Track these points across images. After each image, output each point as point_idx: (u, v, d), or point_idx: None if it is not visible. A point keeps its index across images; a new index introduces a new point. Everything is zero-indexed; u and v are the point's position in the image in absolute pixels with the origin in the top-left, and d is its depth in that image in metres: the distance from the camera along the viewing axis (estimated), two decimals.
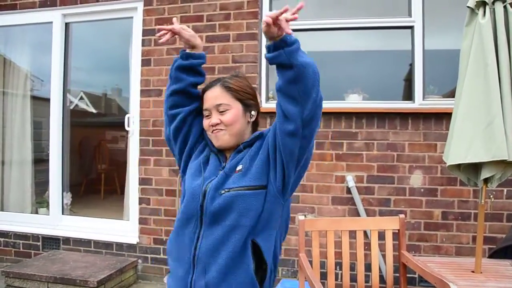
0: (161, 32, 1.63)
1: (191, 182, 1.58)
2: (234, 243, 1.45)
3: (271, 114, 3.50)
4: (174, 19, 1.66)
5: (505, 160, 2.35)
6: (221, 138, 1.58)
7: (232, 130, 1.57)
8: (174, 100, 1.66)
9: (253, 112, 1.63)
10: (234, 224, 1.46)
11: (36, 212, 4.75)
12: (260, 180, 1.48)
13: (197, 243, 1.50)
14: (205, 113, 1.62)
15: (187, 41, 1.65)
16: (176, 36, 1.64)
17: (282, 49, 1.36)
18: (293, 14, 1.36)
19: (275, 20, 1.34)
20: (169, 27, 1.62)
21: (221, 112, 1.57)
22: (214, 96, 1.59)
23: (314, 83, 1.37)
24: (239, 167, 1.53)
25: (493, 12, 2.42)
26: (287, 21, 1.35)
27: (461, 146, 2.47)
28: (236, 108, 1.58)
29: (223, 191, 1.48)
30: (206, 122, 1.61)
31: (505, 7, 2.42)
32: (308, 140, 1.44)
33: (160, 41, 1.66)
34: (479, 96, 2.41)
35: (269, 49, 1.40)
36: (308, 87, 1.36)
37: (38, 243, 4.41)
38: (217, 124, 1.57)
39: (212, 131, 1.59)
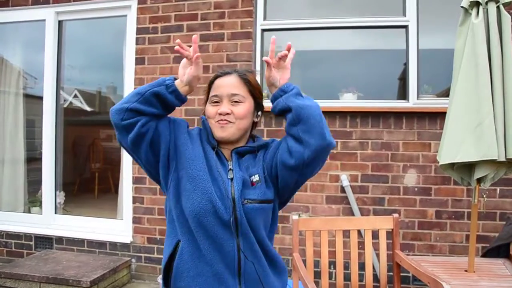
0: (183, 51, 1.45)
1: (207, 179, 1.43)
2: (266, 253, 1.51)
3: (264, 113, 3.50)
4: (195, 37, 1.48)
5: (496, 159, 2.35)
6: (227, 130, 1.47)
7: (240, 124, 1.49)
8: (133, 115, 1.42)
9: (259, 113, 1.59)
10: (264, 235, 1.50)
11: (29, 211, 4.72)
12: (271, 194, 1.50)
13: (239, 254, 1.43)
14: (214, 99, 1.49)
15: (193, 77, 1.46)
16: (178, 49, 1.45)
17: (280, 97, 1.45)
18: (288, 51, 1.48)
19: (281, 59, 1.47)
20: (193, 51, 1.45)
21: (234, 103, 1.48)
22: (230, 84, 1.49)
23: (316, 124, 1.38)
24: (256, 178, 1.49)
25: (486, 13, 2.42)
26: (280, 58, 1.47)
27: (452, 146, 2.48)
28: (249, 103, 1.51)
29: (251, 201, 1.44)
30: (213, 109, 1.48)
31: (498, 7, 2.43)
32: (306, 177, 1.49)
33: (179, 50, 1.45)
34: (471, 96, 2.42)
35: (271, 101, 1.50)
36: (310, 128, 1.37)
37: (31, 243, 4.37)
38: (227, 114, 1.46)
39: (218, 120, 1.47)
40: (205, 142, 1.52)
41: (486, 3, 2.43)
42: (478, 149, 2.37)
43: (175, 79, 1.48)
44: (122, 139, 1.47)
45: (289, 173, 1.44)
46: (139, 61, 4.10)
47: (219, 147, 1.51)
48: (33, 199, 4.75)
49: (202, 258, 1.43)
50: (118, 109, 1.42)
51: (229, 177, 1.46)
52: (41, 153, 4.52)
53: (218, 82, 1.51)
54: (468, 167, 2.56)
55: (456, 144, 2.46)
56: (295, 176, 1.45)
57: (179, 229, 1.46)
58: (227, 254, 1.43)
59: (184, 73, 1.47)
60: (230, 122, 1.47)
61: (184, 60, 1.48)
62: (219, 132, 1.48)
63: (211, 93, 1.51)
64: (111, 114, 1.44)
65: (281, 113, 1.46)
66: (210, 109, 1.50)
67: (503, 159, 2.36)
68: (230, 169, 1.48)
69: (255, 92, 1.54)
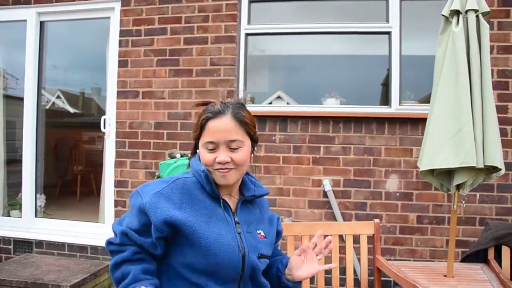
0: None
1: (218, 232, 1.36)
2: None
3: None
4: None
5: (475, 166, 2.39)
6: (230, 177, 1.39)
7: (241, 169, 1.42)
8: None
9: (255, 148, 1.50)
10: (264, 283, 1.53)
11: (8, 215, 4.62)
12: (271, 251, 1.56)
13: None
14: (209, 146, 1.38)
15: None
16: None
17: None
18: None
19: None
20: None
21: (233, 150, 1.38)
22: (226, 130, 1.37)
23: None
24: (261, 233, 1.49)
25: (466, 21, 2.45)
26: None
27: (432, 152, 2.50)
28: (247, 145, 1.42)
29: (259, 256, 1.45)
30: (209, 157, 1.38)
31: (477, 16, 2.46)
32: None
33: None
34: (451, 103, 2.45)
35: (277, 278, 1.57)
36: None
37: (10, 247, 4.30)
38: (227, 162, 1.37)
39: (218, 169, 1.38)
40: (205, 194, 1.41)
41: (466, 12, 2.45)
42: (456, 156, 2.40)
43: None
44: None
45: None
46: (122, 63, 4.07)
47: (219, 198, 1.43)
48: (12, 202, 4.66)
49: None
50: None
51: (237, 231, 1.42)
52: (21, 155, 4.45)
53: (212, 126, 1.38)
54: (447, 174, 2.59)
55: (436, 151, 2.48)
56: None
57: (181, 285, 1.38)
58: None
59: None
60: (232, 169, 1.39)
61: None
62: (222, 180, 1.40)
63: (205, 139, 1.39)
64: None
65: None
66: (207, 157, 1.39)
67: (481, 166, 2.39)
68: (237, 223, 1.44)
69: (252, 131, 1.44)
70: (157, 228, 1.31)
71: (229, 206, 1.44)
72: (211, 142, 1.38)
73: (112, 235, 1.43)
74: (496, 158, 2.41)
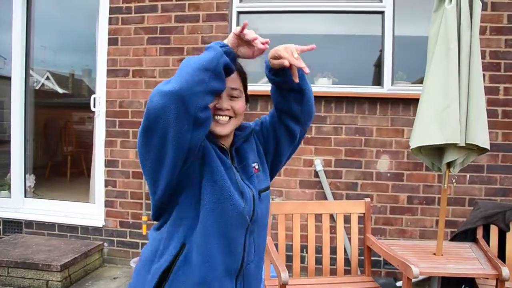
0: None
1: (230, 183, 1.35)
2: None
3: None
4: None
5: (457, 144, 2.40)
6: (228, 127, 1.39)
7: (238, 120, 1.42)
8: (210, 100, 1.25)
9: (248, 105, 1.51)
10: (266, 224, 1.54)
11: None
12: (269, 180, 1.54)
13: (244, 255, 1.40)
14: None
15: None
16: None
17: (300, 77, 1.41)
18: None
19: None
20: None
21: (233, 98, 1.39)
22: (231, 78, 1.36)
23: (312, 106, 1.54)
24: (256, 166, 1.47)
25: None
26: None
27: (422, 130, 2.51)
28: (243, 98, 1.44)
29: (264, 190, 1.46)
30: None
31: None
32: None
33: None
34: (441, 81, 2.45)
35: (276, 74, 1.42)
36: (309, 110, 1.52)
37: None
38: (227, 110, 1.37)
39: (215, 115, 1.36)
40: (206, 140, 1.38)
41: None
42: (442, 133, 2.41)
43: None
44: (187, 136, 1.21)
45: (288, 141, 1.54)
46: (112, 41, 4.00)
47: (220, 146, 1.41)
48: (1, 183, 4.62)
49: (207, 263, 1.33)
50: (191, 93, 1.16)
51: (241, 178, 1.42)
52: (10, 136, 4.39)
53: None
54: (438, 152, 2.59)
55: (425, 128, 2.49)
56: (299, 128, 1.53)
57: (188, 230, 1.33)
58: (234, 255, 1.38)
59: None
60: (231, 117, 1.39)
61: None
62: (219, 129, 1.38)
63: None
64: (174, 101, 1.15)
65: (287, 89, 1.43)
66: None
67: (463, 144, 2.40)
68: (238, 171, 1.43)
69: (246, 85, 1.47)
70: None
71: (229, 154, 1.44)
72: None
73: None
74: (477, 137, 2.43)
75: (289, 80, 1.38)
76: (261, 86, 3.89)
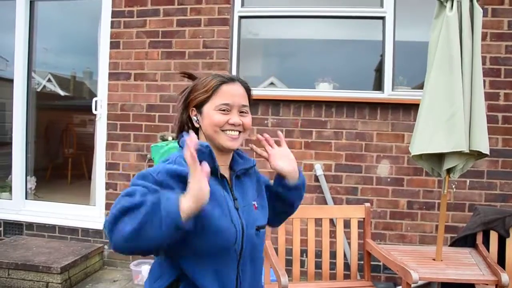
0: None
1: (221, 210, 1.33)
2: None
3: None
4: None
5: (463, 151, 2.41)
6: (237, 141, 1.42)
7: (245, 136, 1.46)
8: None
9: None
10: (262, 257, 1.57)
11: None
12: (267, 218, 1.57)
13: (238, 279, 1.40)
14: (223, 107, 1.40)
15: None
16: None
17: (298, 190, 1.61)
18: None
19: None
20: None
21: (242, 113, 1.43)
22: (241, 95, 1.44)
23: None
24: (255, 204, 1.49)
25: (460, 6, 2.45)
26: None
27: (424, 137, 2.51)
28: (250, 113, 1.49)
29: (257, 228, 1.45)
30: (222, 118, 1.39)
31: (471, 1, 2.46)
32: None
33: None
34: (445, 88, 2.46)
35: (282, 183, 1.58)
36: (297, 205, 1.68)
37: (0, 229, 4.28)
38: (239, 125, 1.42)
39: (227, 130, 1.40)
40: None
41: None
42: (449, 141, 2.42)
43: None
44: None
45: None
46: (114, 45, 4.02)
47: (219, 174, 1.40)
48: (2, 185, 4.63)
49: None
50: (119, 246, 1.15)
51: (236, 207, 1.40)
52: (11, 137, 4.40)
53: (227, 89, 1.42)
54: (438, 158, 2.60)
55: (429, 135, 2.49)
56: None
57: (180, 266, 1.33)
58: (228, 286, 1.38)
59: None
60: (240, 132, 1.43)
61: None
62: (231, 143, 1.41)
63: (219, 101, 1.40)
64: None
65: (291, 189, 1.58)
66: (219, 117, 1.39)
67: (467, 150, 2.42)
68: (235, 199, 1.42)
69: (250, 102, 1.51)
70: (178, 184, 1.24)
71: (227, 181, 1.44)
72: (226, 104, 1.40)
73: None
74: (481, 143, 2.44)
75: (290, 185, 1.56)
76: (262, 90, 3.91)
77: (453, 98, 2.42)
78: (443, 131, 2.44)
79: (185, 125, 1.52)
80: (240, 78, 1.51)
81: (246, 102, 1.46)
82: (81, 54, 6.39)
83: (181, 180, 1.25)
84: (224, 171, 1.45)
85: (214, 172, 1.37)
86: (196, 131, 1.48)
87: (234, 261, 1.38)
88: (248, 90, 1.49)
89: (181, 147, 1.43)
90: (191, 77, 1.56)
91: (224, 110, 1.40)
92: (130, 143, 4.00)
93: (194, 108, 1.46)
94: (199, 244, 1.29)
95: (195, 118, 1.46)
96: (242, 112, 1.44)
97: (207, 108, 1.42)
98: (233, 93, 1.42)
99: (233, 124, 1.40)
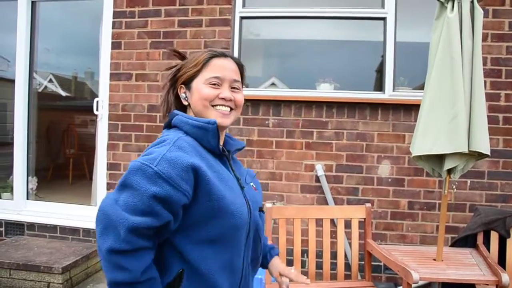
0: None
1: (231, 190, 1.26)
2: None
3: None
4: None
5: (463, 151, 2.42)
6: (229, 118, 1.35)
7: (237, 114, 1.39)
8: None
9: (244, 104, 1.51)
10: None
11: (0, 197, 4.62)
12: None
13: (243, 271, 1.32)
14: (214, 80, 1.32)
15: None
16: None
17: None
18: None
19: None
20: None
21: (234, 89, 1.36)
22: (232, 69, 1.36)
23: None
24: (253, 185, 1.45)
25: (461, 7, 2.45)
26: None
27: (426, 138, 2.52)
28: (242, 91, 1.41)
29: (260, 209, 1.41)
30: (212, 92, 1.31)
31: (472, 2, 2.46)
32: None
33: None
34: (446, 89, 2.46)
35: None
36: None
37: (1, 229, 4.28)
38: (230, 100, 1.34)
39: (217, 105, 1.33)
40: (206, 151, 1.29)
41: None
42: (451, 142, 2.42)
43: None
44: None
45: None
46: (115, 45, 4.03)
47: (219, 152, 1.33)
48: (4, 185, 4.64)
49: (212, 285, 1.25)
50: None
51: (241, 187, 1.34)
52: (13, 138, 4.41)
53: (218, 62, 1.35)
54: (438, 158, 2.60)
55: (431, 136, 2.49)
56: None
57: (188, 255, 1.22)
58: (235, 272, 1.30)
59: None
60: (232, 109, 1.36)
61: None
62: (222, 120, 1.32)
63: (209, 74, 1.33)
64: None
65: None
66: (208, 91, 1.32)
67: (467, 151, 2.42)
68: (238, 178, 1.36)
69: (244, 81, 1.45)
70: (182, 178, 1.14)
71: (228, 161, 1.38)
72: (217, 77, 1.33)
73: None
74: (481, 144, 2.44)
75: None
76: (263, 91, 3.91)
77: (454, 99, 2.42)
78: (446, 133, 2.44)
79: (172, 105, 1.42)
80: (231, 55, 1.43)
81: (238, 77, 1.38)
82: (82, 54, 6.39)
83: (192, 172, 1.15)
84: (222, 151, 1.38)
85: (217, 154, 1.33)
86: (185, 109, 1.40)
87: (242, 244, 1.30)
88: (240, 67, 1.42)
89: (176, 126, 1.32)
90: (181, 56, 1.47)
91: (214, 84, 1.33)
92: (131, 143, 4.01)
93: (182, 85, 1.38)
94: (216, 225, 1.21)
95: (183, 95, 1.38)
96: (234, 88, 1.36)
97: (197, 83, 1.35)
98: (225, 67, 1.35)
99: (223, 99, 1.33)
